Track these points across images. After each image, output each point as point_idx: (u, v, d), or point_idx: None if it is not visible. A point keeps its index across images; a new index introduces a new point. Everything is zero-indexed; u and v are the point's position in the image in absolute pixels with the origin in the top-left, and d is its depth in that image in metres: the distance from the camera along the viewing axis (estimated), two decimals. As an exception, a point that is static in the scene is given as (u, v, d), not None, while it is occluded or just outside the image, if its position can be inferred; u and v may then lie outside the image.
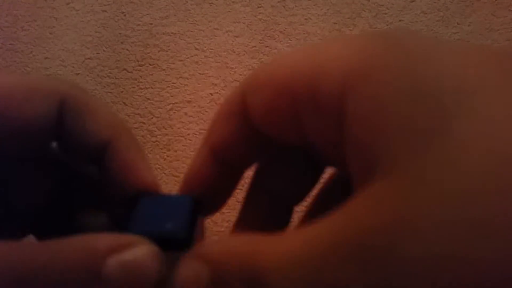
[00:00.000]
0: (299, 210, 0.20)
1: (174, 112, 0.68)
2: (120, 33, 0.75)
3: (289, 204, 0.20)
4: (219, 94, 0.69)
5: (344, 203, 0.12)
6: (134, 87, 0.71)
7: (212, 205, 0.19)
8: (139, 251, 0.15)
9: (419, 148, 0.11)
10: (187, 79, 0.71)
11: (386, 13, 0.76)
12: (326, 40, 0.16)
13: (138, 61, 0.73)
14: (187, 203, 0.18)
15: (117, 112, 0.69)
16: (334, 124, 0.14)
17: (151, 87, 0.71)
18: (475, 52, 0.12)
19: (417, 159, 0.11)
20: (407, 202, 0.11)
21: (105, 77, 0.72)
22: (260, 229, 0.20)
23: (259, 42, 0.73)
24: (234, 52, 0.72)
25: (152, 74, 0.72)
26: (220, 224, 0.56)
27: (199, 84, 0.70)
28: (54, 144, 0.20)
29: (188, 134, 0.67)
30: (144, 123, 0.68)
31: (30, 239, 0.21)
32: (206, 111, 0.68)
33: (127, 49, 0.74)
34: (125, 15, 0.76)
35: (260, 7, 0.76)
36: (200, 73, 0.71)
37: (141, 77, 0.72)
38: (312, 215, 0.19)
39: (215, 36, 0.74)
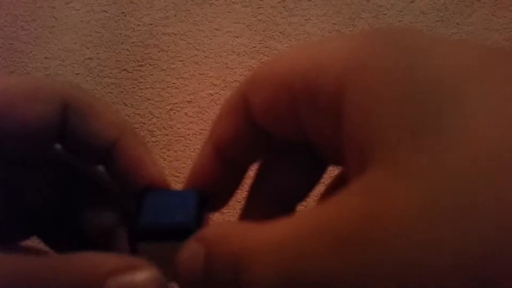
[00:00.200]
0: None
1: (174, 112, 0.68)
2: (120, 33, 0.75)
3: (291, 202, 0.20)
4: (219, 94, 0.69)
5: (333, 194, 0.12)
6: (134, 87, 0.71)
7: (217, 201, 0.20)
8: (140, 275, 0.16)
9: (410, 142, 0.11)
10: (187, 79, 0.71)
11: (385, 14, 0.76)
12: (324, 38, 0.16)
13: (138, 61, 0.73)
14: (194, 197, 0.18)
15: (117, 112, 0.69)
16: (331, 120, 0.14)
17: (151, 87, 0.71)
18: (472, 50, 0.13)
19: (406, 152, 0.11)
20: (392, 192, 0.11)
21: (105, 77, 0.72)
22: None
23: (259, 43, 0.73)
24: (234, 52, 0.72)
25: (152, 74, 0.72)
26: (219, 223, 0.56)
27: (199, 84, 0.70)
28: (57, 145, 0.20)
29: (188, 134, 0.67)
30: (144, 123, 0.68)
31: (34, 240, 0.21)
32: (206, 111, 0.68)
33: (127, 49, 0.74)
34: (125, 15, 0.76)
35: (260, 7, 0.76)
36: (200, 74, 0.71)
37: (141, 77, 0.72)
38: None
39: (215, 36, 0.74)
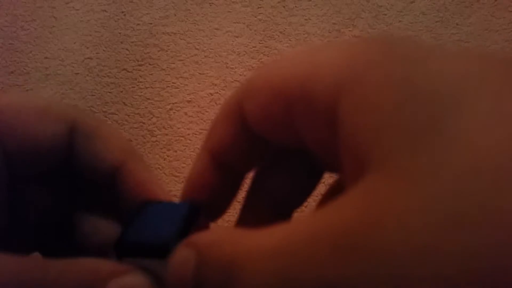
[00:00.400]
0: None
1: (174, 112, 0.68)
2: (120, 33, 0.75)
3: (288, 208, 0.20)
4: (219, 94, 0.69)
5: (330, 202, 0.12)
6: (134, 87, 0.71)
7: (215, 210, 0.20)
8: (140, 277, 0.16)
9: (407, 147, 0.11)
10: (187, 79, 0.71)
11: (385, 14, 0.76)
12: (319, 44, 0.16)
13: (138, 60, 0.73)
14: (184, 211, 0.18)
15: (117, 112, 0.69)
16: (327, 127, 0.14)
17: (151, 87, 0.71)
18: (469, 57, 0.13)
19: (404, 157, 0.11)
20: (390, 197, 0.11)
21: (104, 76, 0.72)
22: None
23: (259, 42, 0.73)
24: (234, 52, 0.72)
25: (152, 74, 0.72)
26: (220, 224, 0.56)
27: (199, 84, 0.70)
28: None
29: (188, 134, 0.67)
30: (144, 123, 0.68)
31: (36, 255, 0.21)
32: (206, 111, 0.68)
33: (127, 49, 0.74)
34: (125, 15, 0.77)
35: (260, 7, 0.76)
36: (200, 73, 0.71)
37: (141, 76, 0.72)
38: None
39: (215, 36, 0.74)
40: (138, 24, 0.76)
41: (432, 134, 0.11)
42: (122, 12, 0.77)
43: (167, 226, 0.18)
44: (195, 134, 0.67)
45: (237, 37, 0.74)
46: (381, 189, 0.11)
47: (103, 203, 0.22)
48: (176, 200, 0.20)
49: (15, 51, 0.75)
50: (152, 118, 0.69)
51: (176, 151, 0.66)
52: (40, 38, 0.76)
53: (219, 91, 0.69)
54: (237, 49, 0.73)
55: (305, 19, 0.75)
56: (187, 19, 0.76)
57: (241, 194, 0.20)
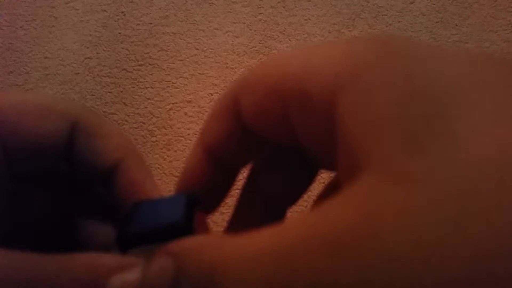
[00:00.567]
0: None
1: (174, 112, 0.68)
2: (120, 33, 0.75)
3: (283, 205, 0.20)
4: (219, 94, 0.69)
5: (321, 202, 0.12)
6: (134, 87, 0.71)
7: (210, 203, 0.20)
8: (140, 272, 0.15)
9: (406, 147, 0.11)
10: (187, 79, 0.71)
11: (385, 15, 0.76)
12: (317, 42, 0.16)
13: (138, 60, 0.73)
14: (182, 200, 0.18)
15: (117, 112, 0.69)
16: (324, 126, 0.14)
17: (151, 87, 0.71)
18: (468, 57, 0.13)
19: (402, 157, 0.11)
20: (387, 198, 0.10)
21: (104, 76, 0.72)
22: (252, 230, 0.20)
23: (259, 43, 0.73)
24: (234, 52, 0.72)
25: (152, 74, 0.72)
26: (220, 224, 0.56)
27: (199, 84, 0.70)
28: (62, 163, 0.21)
29: (188, 134, 0.67)
30: (144, 123, 0.68)
31: None
32: (206, 111, 0.68)
33: (127, 49, 0.74)
34: (125, 15, 0.76)
35: (260, 7, 0.76)
36: (200, 73, 0.71)
37: (141, 76, 0.72)
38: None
39: (215, 36, 0.74)
40: (138, 24, 0.76)
41: (431, 134, 0.11)
42: (122, 12, 0.77)
43: (170, 212, 0.17)
44: (195, 134, 0.67)
45: (237, 37, 0.74)
46: (378, 189, 0.11)
47: (102, 204, 0.22)
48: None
49: (15, 51, 0.75)
50: (152, 118, 0.68)
51: (176, 151, 0.66)
52: (40, 37, 0.76)
53: (219, 91, 0.69)
54: (237, 49, 0.73)
55: (305, 20, 0.75)
56: (187, 19, 0.76)
57: (238, 193, 0.20)
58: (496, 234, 0.09)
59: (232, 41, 0.73)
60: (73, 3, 0.78)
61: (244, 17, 0.75)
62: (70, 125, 0.19)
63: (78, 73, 0.72)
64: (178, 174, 0.70)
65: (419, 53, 0.13)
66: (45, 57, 0.74)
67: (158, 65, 0.72)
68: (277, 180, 0.19)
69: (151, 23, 0.76)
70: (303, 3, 0.76)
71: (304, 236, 0.11)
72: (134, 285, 0.15)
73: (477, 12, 0.76)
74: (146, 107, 0.69)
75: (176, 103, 0.69)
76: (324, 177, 0.22)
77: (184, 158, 0.65)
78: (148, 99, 0.70)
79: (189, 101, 0.69)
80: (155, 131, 0.67)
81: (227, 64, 0.72)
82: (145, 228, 0.17)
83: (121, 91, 0.71)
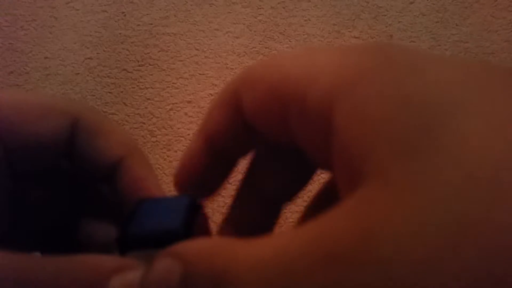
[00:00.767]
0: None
1: (174, 112, 0.69)
2: (120, 33, 0.75)
3: (279, 203, 0.20)
4: (219, 94, 0.69)
5: (324, 212, 0.12)
6: (134, 87, 0.71)
7: (204, 192, 0.20)
8: (140, 273, 0.16)
9: (403, 158, 0.11)
10: (187, 79, 0.71)
11: (385, 15, 0.76)
12: (318, 47, 0.16)
13: (138, 61, 0.73)
14: (184, 202, 0.18)
15: (117, 112, 0.69)
16: (321, 131, 0.14)
17: (151, 87, 0.71)
18: (462, 65, 0.13)
19: (399, 168, 0.11)
20: (386, 210, 0.11)
21: (105, 77, 0.72)
22: (247, 227, 0.20)
23: (259, 43, 0.73)
24: (234, 53, 0.72)
25: (152, 74, 0.72)
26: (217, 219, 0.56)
27: (199, 84, 0.71)
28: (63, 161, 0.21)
29: (188, 134, 0.67)
30: (144, 123, 0.68)
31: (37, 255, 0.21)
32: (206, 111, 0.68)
33: (127, 49, 0.74)
34: (125, 15, 0.77)
35: (260, 8, 0.76)
36: (200, 74, 0.71)
37: (141, 77, 0.72)
38: (307, 217, 0.20)
39: (215, 36, 0.74)
40: (139, 25, 0.76)
41: (426, 143, 0.11)
42: (123, 12, 0.77)
43: (171, 215, 0.17)
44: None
45: (237, 37, 0.74)
46: (376, 200, 0.11)
47: (103, 203, 0.22)
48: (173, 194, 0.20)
49: (15, 51, 0.75)
50: (152, 118, 0.69)
51: (176, 151, 0.66)
52: (40, 38, 0.76)
53: (219, 91, 0.69)
54: (237, 49, 0.73)
55: (305, 20, 0.75)
56: (187, 19, 0.76)
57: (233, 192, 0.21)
58: (493, 256, 0.09)
59: (232, 41, 0.73)
60: (74, 4, 0.78)
61: (244, 18, 0.75)
62: (70, 123, 0.19)
63: (79, 74, 0.73)
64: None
65: (414, 61, 0.13)
66: (46, 57, 0.74)
67: (158, 66, 0.72)
68: (274, 178, 0.19)
69: (151, 24, 0.76)
70: (303, 4, 0.76)
71: (307, 244, 0.11)
72: (134, 287, 0.15)
73: (477, 11, 0.76)
74: (146, 108, 0.69)
75: (176, 103, 0.69)
76: (322, 177, 0.22)
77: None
78: (149, 99, 0.70)
79: (189, 102, 0.69)
80: (155, 131, 0.67)
81: (227, 64, 0.72)
82: (145, 231, 0.17)
83: (122, 92, 0.71)
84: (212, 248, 0.14)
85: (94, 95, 0.71)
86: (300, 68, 0.15)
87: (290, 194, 0.20)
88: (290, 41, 0.74)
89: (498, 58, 0.74)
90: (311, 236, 0.12)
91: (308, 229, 0.12)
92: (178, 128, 0.67)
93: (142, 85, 0.71)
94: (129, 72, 0.72)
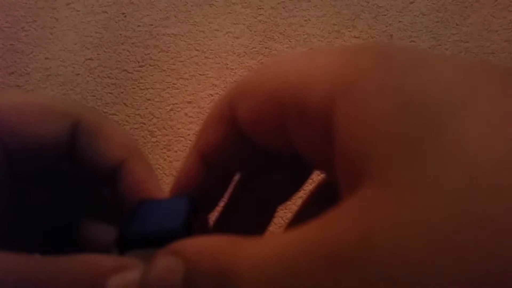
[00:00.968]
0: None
1: (175, 113, 0.69)
2: (120, 34, 0.75)
3: (273, 204, 0.20)
4: (219, 95, 0.70)
5: (325, 211, 0.12)
6: (134, 88, 0.71)
7: (204, 206, 0.20)
8: (139, 272, 0.16)
9: (402, 158, 0.11)
10: (187, 80, 0.71)
11: (385, 15, 0.76)
12: (313, 50, 0.16)
13: (138, 62, 0.73)
14: (184, 203, 0.18)
15: (118, 113, 0.69)
16: (321, 134, 0.14)
17: (152, 88, 0.71)
18: (462, 65, 0.13)
19: (399, 168, 0.11)
20: (386, 210, 0.11)
21: (105, 77, 0.72)
22: (241, 227, 0.20)
23: (259, 43, 0.73)
24: (234, 53, 0.73)
25: (152, 75, 0.72)
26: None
27: (199, 85, 0.71)
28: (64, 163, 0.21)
29: (188, 135, 0.67)
30: (144, 123, 0.68)
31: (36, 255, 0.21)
32: (206, 112, 0.68)
33: (128, 50, 0.74)
34: (125, 16, 0.77)
35: (260, 8, 0.76)
36: (200, 74, 0.71)
37: (141, 78, 0.72)
38: (301, 218, 0.20)
39: (215, 37, 0.74)
40: (139, 26, 0.76)
41: (427, 143, 0.11)
42: (123, 13, 0.77)
43: (171, 216, 0.18)
44: (195, 134, 0.67)
45: (237, 38, 0.74)
46: (376, 200, 0.11)
47: (103, 204, 0.22)
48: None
49: (16, 52, 0.75)
50: (152, 118, 0.69)
51: (176, 152, 0.66)
52: (41, 39, 0.76)
53: (219, 92, 0.70)
54: (237, 50, 0.73)
55: (305, 20, 0.75)
56: (187, 20, 0.76)
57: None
58: (494, 256, 0.09)
59: (232, 42, 0.73)
60: (74, 5, 0.78)
61: (244, 18, 0.75)
62: (71, 125, 0.19)
63: (79, 74, 0.73)
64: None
65: (414, 61, 0.13)
66: (46, 58, 0.74)
67: (158, 66, 0.72)
68: (269, 181, 0.19)
69: (151, 25, 0.76)
70: (303, 4, 0.76)
71: (308, 245, 0.12)
72: (133, 286, 0.15)
73: (477, 11, 0.76)
74: (146, 108, 0.69)
75: (176, 103, 0.69)
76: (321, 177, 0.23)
77: (184, 159, 0.65)
78: (149, 100, 0.70)
79: (189, 102, 0.69)
80: (155, 131, 0.68)
81: (227, 65, 0.72)
82: (145, 231, 0.17)
83: (122, 92, 0.71)
84: (214, 246, 0.14)
85: (95, 96, 0.71)
86: (297, 73, 0.14)
87: (285, 195, 0.20)
88: (290, 41, 0.74)
89: (498, 58, 0.73)
90: (312, 236, 0.12)
91: (310, 229, 0.12)
92: (178, 129, 0.67)
93: (143, 86, 0.71)
94: (129, 72, 0.72)
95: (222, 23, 0.75)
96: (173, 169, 0.65)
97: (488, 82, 0.12)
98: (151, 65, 0.73)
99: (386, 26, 0.75)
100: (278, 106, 0.15)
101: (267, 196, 0.20)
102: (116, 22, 0.76)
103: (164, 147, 0.66)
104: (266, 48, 0.73)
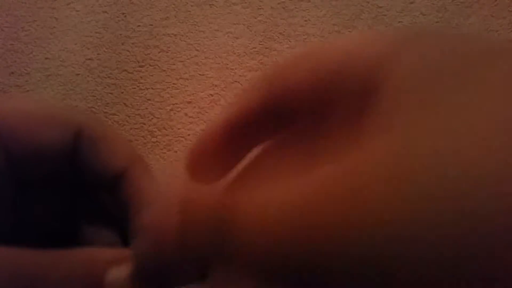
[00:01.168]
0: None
1: (175, 113, 0.69)
2: (120, 34, 0.75)
3: None
4: (219, 95, 0.70)
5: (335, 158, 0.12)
6: (134, 88, 0.71)
7: (214, 174, 0.20)
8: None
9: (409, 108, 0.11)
10: (188, 80, 0.71)
11: (385, 15, 0.76)
12: (354, 33, 0.16)
13: (138, 62, 0.73)
14: None
15: (118, 113, 0.69)
16: (357, 107, 0.14)
17: (152, 88, 0.71)
18: (488, 43, 0.13)
19: (414, 123, 0.11)
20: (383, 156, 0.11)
21: (105, 78, 0.72)
22: None
23: (259, 44, 0.73)
24: (234, 53, 0.73)
25: (152, 75, 0.72)
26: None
27: (199, 85, 0.71)
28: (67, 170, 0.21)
29: (189, 135, 0.67)
30: (144, 123, 0.68)
31: None
32: (206, 112, 0.68)
33: (128, 50, 0.74)
34: (125, 16, 0.77)
35: (260, 8, 0.76)
36: (200, 74, 0.71)
37: (141, 78, 0.72)
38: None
39: (215, 37, 0.74)
40: (139, 26, 0.76)
41: (439, 98, 0.11)
42: (123, 13, 0.77)
43: None
44: (195, 134, 0.67)
45: (237, 38, 0.74)
46: (384, 152, 0.11)
47: (105, 210, 0.22)
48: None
49: (16, 52, 0.75)
50: (152, 119, 0.69)
51: (176, 152, 0.66)
52: (41, 39, 0.76)
53: (219, 92, 0.69)
54: (237, 50, 0.73)
55: (305, 20, 0.75)
56: (187, 20, 0.76)
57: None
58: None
59: (232, 42, 0.73)
60: (74, 4, 0.78)
61: (244, 18, 0.75)
62: (73, 134, 0.20)
63: (79, 74, 0.73)
64: (178, 175, 0.70)
65: (444, 39, 0.13)
66: (46, 58, 0.74)
67: (158, 66, 0.72)
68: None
69: (151, 25, 0.76)
70: (303, 4, 0.76)
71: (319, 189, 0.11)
72: (133, 278, 0.15)
73: (478, 11, 0.76)
74: (146, 108, 0.69)
75: (176, 104, 0.69)
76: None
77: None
78: (149, 100, 0.70)
79: (189, 102, 0.69)
80: (155, 131, 0.68)
81: (227, 65, 0.72)
82: None
83: (122, 92, 0.71)
84: (212, 195, 0.13)
85: (95, 96, 0.71)
86: (338, 46, 0.15)
87: None
88: (290, 41, 0.74)
89: (498, 58, 0.73)
90: (326, 175, 0.12)
91: (321, 173, 0.12)
92: (178, 129, 0.67)
93: (143, 86, 0.71)
94: (129, 73, 0.72)
95: (222, 23, 0.75)
96: (173, 169, 0.65)
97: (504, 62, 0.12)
98: (151, 65, 0.73)
99: (386, 26, 0.75)
100: (321, 77, 0.15)
101: None
102: (116, 22, 0.76)
103: (164, 147, 0.66)
104: (266, 48, 0.73)
